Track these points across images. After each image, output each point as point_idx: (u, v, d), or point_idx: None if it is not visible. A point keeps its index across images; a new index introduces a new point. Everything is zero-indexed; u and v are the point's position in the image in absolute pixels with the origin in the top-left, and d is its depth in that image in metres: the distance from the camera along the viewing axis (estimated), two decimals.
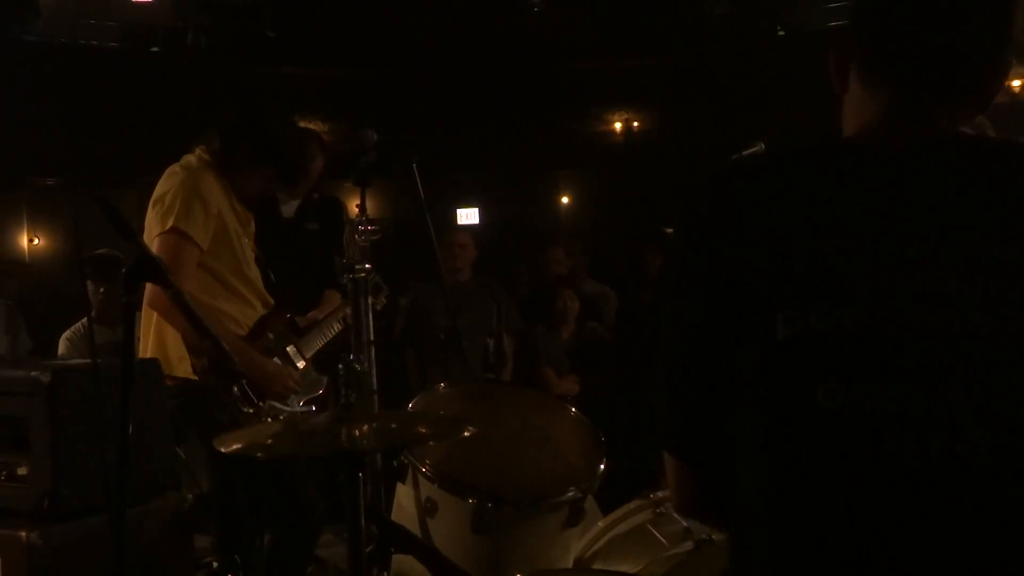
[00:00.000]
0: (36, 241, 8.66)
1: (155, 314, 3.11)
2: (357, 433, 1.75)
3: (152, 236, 3.10)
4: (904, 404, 1.09)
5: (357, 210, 2.91)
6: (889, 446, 1.09)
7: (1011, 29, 1.20)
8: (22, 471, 2.39)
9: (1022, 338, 1.09)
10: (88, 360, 2.39)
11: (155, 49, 8.06)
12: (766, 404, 1.15)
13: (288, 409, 3.27)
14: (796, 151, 1.25)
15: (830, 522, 1.11)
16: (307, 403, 3.41)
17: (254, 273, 3.33)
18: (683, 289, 1.24)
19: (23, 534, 2.28)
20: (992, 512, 1.07)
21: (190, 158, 3.22)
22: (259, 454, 1.77)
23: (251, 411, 3.12)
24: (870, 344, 1.10)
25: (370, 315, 2.43)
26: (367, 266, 2.45)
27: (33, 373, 2.39)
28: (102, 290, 4.72)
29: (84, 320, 4.92)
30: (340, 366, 1.84)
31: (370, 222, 2.46)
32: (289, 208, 4.46)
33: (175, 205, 3.04)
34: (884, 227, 1.14)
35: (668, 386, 1.26)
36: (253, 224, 3.41)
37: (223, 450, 1.70)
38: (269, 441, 1.89)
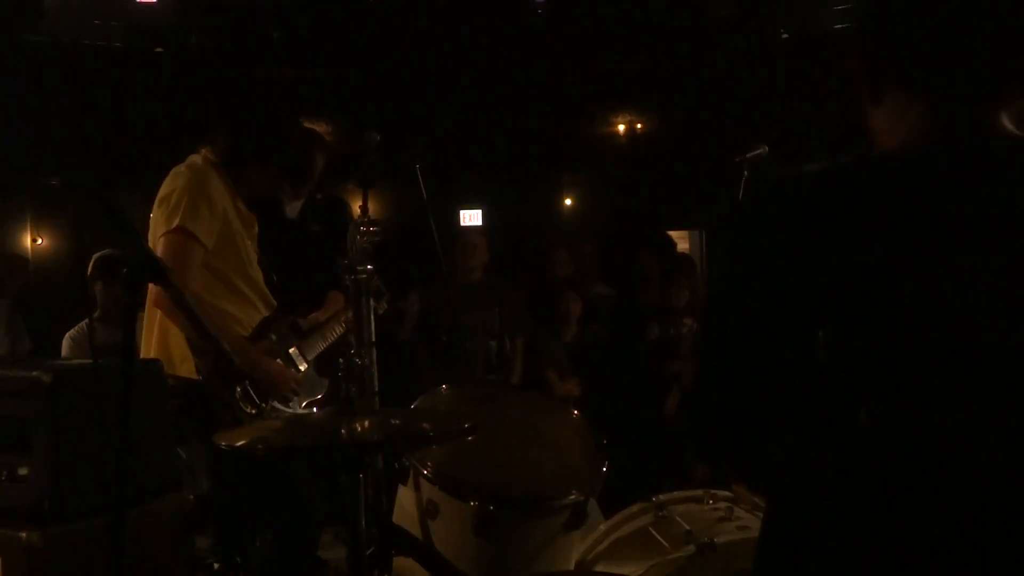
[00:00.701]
0: (39, 241, 8.65)
1: (159, 313, 3.10)
2: (358, 428, 1.75)
3: (157, 235, 3.10)
4: (948, 423, 1.05)
5: (359, 211, 2.91)
6: (932, 466, 1.05)
7: None
8: (22, 471, 2.38)
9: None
10: (89, 360, 2.39)
11: (159, 50, 8.04)
12: (807, 422, 1.13)
13: (290, 411, 3.27)
14: (840, 166, 1.21)
15: (871, 544, 1.08)
16: (308, 405, 3.41)
17: (257, 274, 3.33)
18: (726, 307, 1.23)
19: (23, 535, 2.28)
20: None
21: (195, 158, 3.22)
22: (259, 447, 1.76)
23: (254, 412, 3.12)
24: (913, 361, 1.06)
25: (372, 316, 2.42)
26: (369, 267, 2.45)
27: (34, 373, 2.38)
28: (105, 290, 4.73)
29: (87, 320, 4.92)
30: (341, 360, 1.84)
31: (372, 223, 2.45)
32: (293, 209, 4.46)
33: (181, 204, 3.04)
34: (930, 240, 1.09)
35: (702, 395, 1.28)
36: (256, 226, 3.41)
37: (223, 445, 1.69)
38: (269, 436, 1.88)
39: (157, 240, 3.09)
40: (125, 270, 1.73)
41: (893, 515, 1.07)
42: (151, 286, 2.71)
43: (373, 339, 2.38)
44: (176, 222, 3.02)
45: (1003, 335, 1.05)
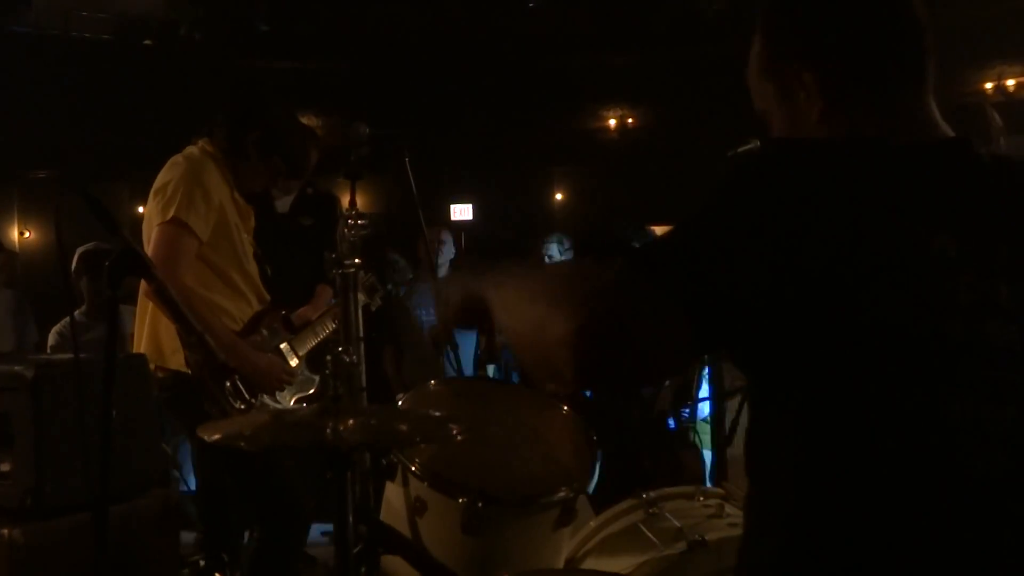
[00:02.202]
0: (27, 234, 8.62)
1: (150, 305, 3.08)
2: (342, 428, 1.72)
3: (152, 226, 3.07)
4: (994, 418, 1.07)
5: (348, 204, 2.89)
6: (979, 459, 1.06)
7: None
8: (5, 468, 2.37)
9: None
10: (82, 355, 2.36)
11: (148, 42, 8.01)
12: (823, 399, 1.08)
13: (280, 406, 3.24)
14: (850, 143, 1.20)
15: (890, 529, 1.07)
16: (299, 401, 3.38)
17: (252, 268, 3.31)
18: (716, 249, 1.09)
19: (5, 532, 2.26)
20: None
21: (192, 149, 3.19)
22: (241, 444, 1.73)
23: (243, 407, 3.09)
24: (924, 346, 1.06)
25: (359, 311, 2.40)
26: (357, 261, 2.42)
27: (16, 368, 2.36)
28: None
29: (74, 314, 4.89)
30: (328, 358, 1.81)
31: (360, 216, 2.43)
32: (283, 203, 4.45)
33: (176, 195, 3.01)
34: (977, 232, 1.10)
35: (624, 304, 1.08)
36: (253, 219, 3.38)
37: (206, 438, 1.66)
38: (252, 432, 1.85)
39: (152, 231, 3.06)
40: (107, 264, 1.70)
41: (908, 499, 1.06)
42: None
43: (361, 335, 2.36)
44: (171, 213, 2.99)
45: (998, 328, 1.08)
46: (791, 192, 1.08)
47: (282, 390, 3.25)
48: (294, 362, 3.40)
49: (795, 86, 1.27)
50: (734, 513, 2.51)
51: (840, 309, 1.04)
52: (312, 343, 3.52)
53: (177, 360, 3.04)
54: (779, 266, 1.04)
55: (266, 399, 3.20)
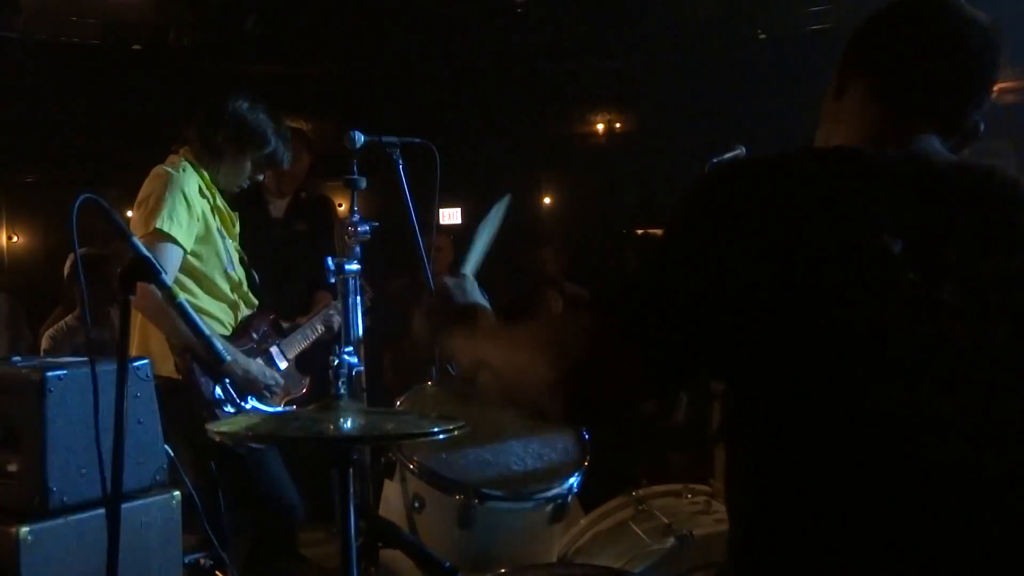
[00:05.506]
0: (15, 239, 8.61)
1: (139, 315, 3.12)
2: (344, 424, 1.78)
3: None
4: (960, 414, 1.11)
5: (348, 211, 2.95)
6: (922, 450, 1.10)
7: (989, 83, 1.33)
8: (12, 468, 2.40)
9: (1013, 348, 1.14)
10: (80, 358, 2.41)
11: (137, 47, 8.01)
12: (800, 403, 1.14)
13: (270, 410, 3.30)
14: (816, 152, 1.31)
15: (852, 524, 1.11)
16: (289, 403, 3.44)
17: (239, 273, 3.36)
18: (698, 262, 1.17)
19: (13, 531, 2.29)
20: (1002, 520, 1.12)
21: (173, 159, 3.25)
22: (249, 434, 1.79)
23: (234, 411, 3.15)
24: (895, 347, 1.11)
25: (360, 314, 2.47)
26: (357, 266, 2.49)
27: (24, 370, 2.40)
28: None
29: (68, 318, 4.93)
30: (332, 358, 1.88)
31: (360, 222, 2.49)
32: (277, 208, 4.49)
33: (159, 207, 3.07)
34: (922, 233, 1.16)
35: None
36: (238, 225, 3.43)
37: (212, 433, 1.72)
38: (256, 428, 1.92)
39: None
40: (120, 270, 1.76)
41: (879, 498, 1.11)
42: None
43: (362, 337, 2.43)
44: (154, 225, 3.05)
45: (955, 330, 1.13)
46: (744, 205, 1.17)
47: (271, 397, 3.31)
48: (284, 365, 3.46)
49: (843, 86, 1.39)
50: (720, 509, 2.58)
51: (794, 308, 1.11)
52: (302, 346, 3.58)
53: (168, 367, 3.09)
54: (740, 276, 1.12)
55: (256, 403, 3.26)
